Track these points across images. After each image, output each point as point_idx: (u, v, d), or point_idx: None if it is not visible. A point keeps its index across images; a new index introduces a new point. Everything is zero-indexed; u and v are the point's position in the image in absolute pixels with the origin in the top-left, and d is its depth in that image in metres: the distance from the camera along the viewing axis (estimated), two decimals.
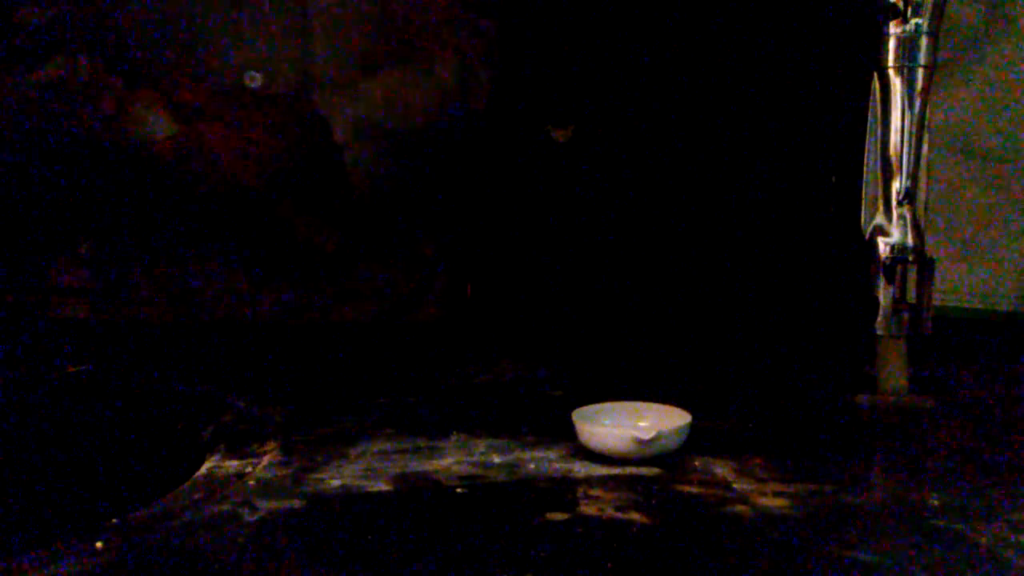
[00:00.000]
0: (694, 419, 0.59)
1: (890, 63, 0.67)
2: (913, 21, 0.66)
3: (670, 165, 1.25)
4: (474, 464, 0.57)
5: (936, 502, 0.52)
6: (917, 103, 0.67)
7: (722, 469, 0.56)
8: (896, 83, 0.67)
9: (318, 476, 0.55)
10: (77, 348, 0.87)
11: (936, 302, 0.69)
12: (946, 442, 0.64)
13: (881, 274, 0.68)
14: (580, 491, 0.53)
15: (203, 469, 0.57)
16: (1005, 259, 0.94)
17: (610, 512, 0.50)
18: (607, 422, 0.59)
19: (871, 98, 0.69)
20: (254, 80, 1.00)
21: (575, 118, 1.24)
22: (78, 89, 1.00)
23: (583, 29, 1.19)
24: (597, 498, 0.52)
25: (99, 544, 0.46)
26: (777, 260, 1.17)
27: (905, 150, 0.68)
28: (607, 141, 1.18)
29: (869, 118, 0.69)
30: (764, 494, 0.52)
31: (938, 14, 0.66)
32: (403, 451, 0.59)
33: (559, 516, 0.49)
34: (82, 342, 0.91)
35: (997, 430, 0.66)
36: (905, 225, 0.68)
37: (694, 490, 0.53)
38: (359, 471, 0.56)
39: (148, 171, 1.02)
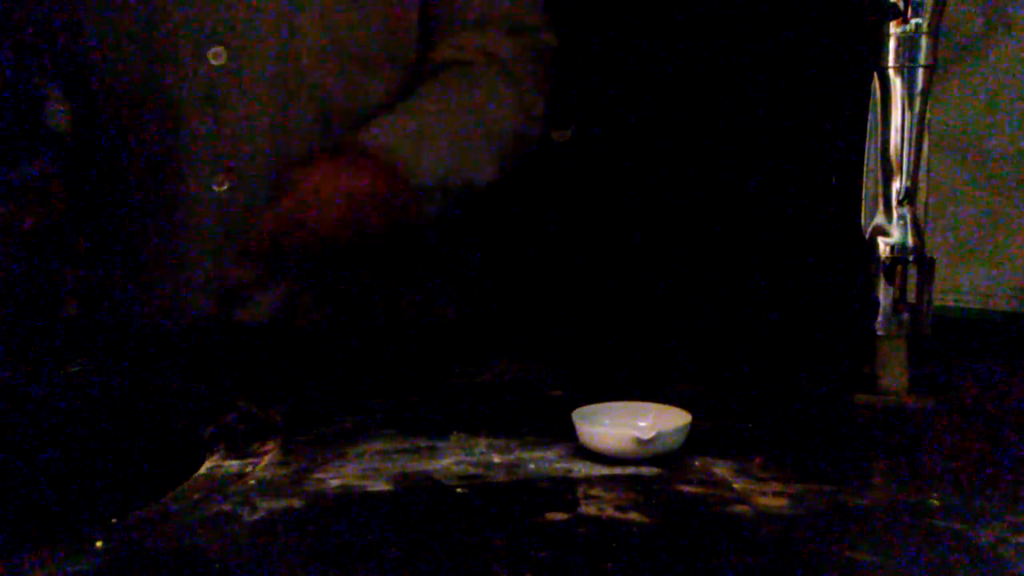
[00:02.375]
0: (694, 419, 0.59)
1: (890, 63, 0.67)
2: (913, 21, 0.66)
3: (669, 165, 1.25)
4: (474, 464, 0.57)
5: (936, 502, 0.52)
6: (917, 103, 0.67)
7: (722, 469, 0.56)
8: (896, 83, 0.67)
9: (318, 476, 0.55)
10: (76, 348, 0.87)
11: (936, 302, 0.68)
12: (946, 442, 0.64)
13: (881, 274, 0.68)
14: (580, 491, 0.53)
15: (203, 469, 0.57)
16: (1005, 259, 0.94)
17: (610, 512, 0.50)
18: (607, 422, 0.59)
19: (871, 98, 0.69)
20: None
21: (575, 119, 1.24)
22: None
23: (581, 29, 1.19)
24: (597, 498, 0.52)
25: (99, 544, 0.46)
26: (777, 260, 1.17)
27: (905, 150, 0.68)
28: (606, 141, 1.18)
29: (869, 118, 0.69)
30: (764, 494, 0.52)
31: (938, 14, 0.66)
32: (403, 451, 0.59)
33: (559, 516, 0.49)
34: (81, 342, 0.91)
35: (997, 430, 0.66)
36: (905, 225, 0.68)
37: (694, 490, 0.53)
38: (359, 471, 0.56)
39: None
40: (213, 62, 0.93)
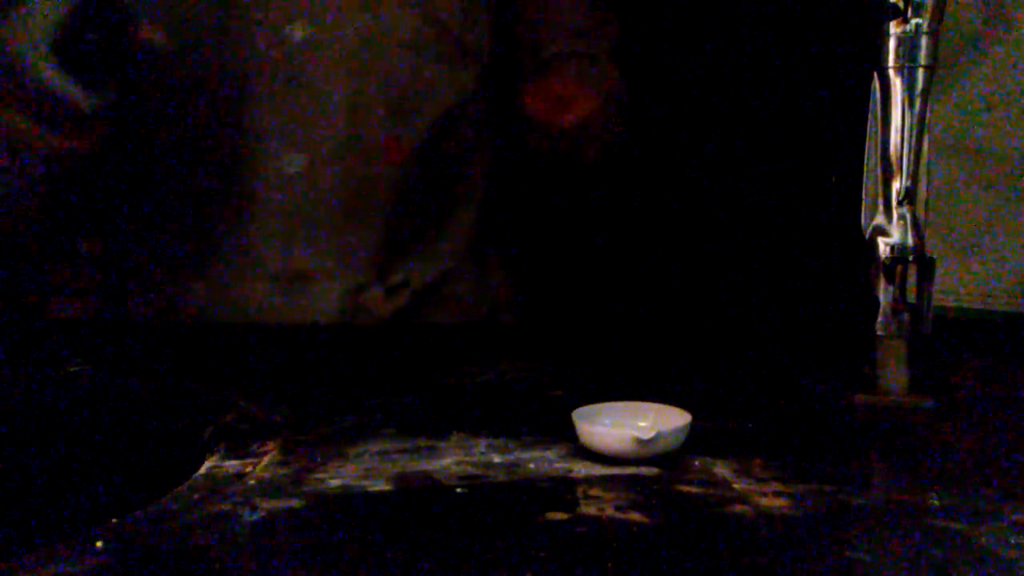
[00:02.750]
0: (694, 419, 0.59)
1: (890, 63, 0.67)
2: (913, 21, 0.66)
3: (668, 165, 1.25)
4: (474, 464, 0.57)
5: (936, 502, 0.52)
6: (917, 103, 0.67)
7: (722, 469, 0.56)
8: (896, 83, 0.67)
9: (318, 476, 0.55)
10: (77, 348, 0.87)
11: (936, 302, 0.68)
12: (946, 442, 0.64)
13: (881, 274, 0.68)
14: (580, 491, 0.53)
15: (203, 469, 0.57)
16: (1005, 259, 0.94)
17: (610, 512, 0.50)
18: (607, 422, 0.59)
19: (871, 98, 0.69)
20: None
21: None
22: None
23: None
24: (597, 498, 0.52)
25: (99, 544, 0.46)
26: (777, 260, 1.17)
27: (905, 150, 0.68)
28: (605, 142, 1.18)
29: (869, 118, 0.69)
30: (764, 494, 0.52)
31: (938, 14, 0.66)
32: (403, 451, 0.59)
33: (559, 516, 0.49)
34: (81, 342, 0.91)
35: (997, 430, 0.66)
36: (905, 225, 0.68)
37: (694, 490, 0.53)
38: (359, 471, 0.56)
39: None
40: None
